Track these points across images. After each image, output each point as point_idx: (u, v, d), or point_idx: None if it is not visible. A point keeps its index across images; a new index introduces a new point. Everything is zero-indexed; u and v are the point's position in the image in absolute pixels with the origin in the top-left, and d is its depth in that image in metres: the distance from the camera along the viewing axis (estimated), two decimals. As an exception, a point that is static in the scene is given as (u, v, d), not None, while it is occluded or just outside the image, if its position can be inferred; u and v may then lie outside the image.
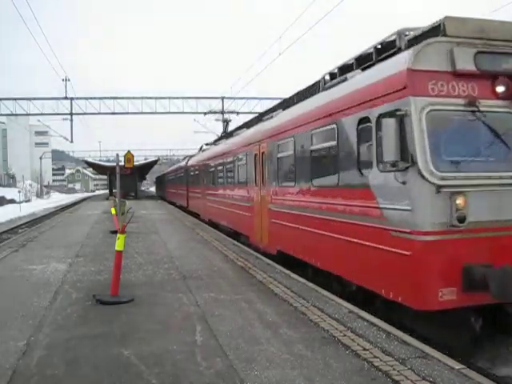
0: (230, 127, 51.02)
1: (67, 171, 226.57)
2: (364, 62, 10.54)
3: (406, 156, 7.65)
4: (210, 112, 53.28)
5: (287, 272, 12.70)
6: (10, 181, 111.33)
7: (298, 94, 15.81)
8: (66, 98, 52.13)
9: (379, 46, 10.09)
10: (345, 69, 11.39)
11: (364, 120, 9.09)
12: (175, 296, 10.23)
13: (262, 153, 16.15)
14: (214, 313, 8.90)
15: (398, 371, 6.09)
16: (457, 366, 6.28)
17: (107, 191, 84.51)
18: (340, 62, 11.81)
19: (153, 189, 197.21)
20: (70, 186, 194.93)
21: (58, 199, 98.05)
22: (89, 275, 12.51)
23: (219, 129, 55.37)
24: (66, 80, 51.26)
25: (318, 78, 13.35)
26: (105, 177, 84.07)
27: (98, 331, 7.95)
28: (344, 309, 9.05)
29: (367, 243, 9.00)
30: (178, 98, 55.84)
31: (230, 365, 6.40)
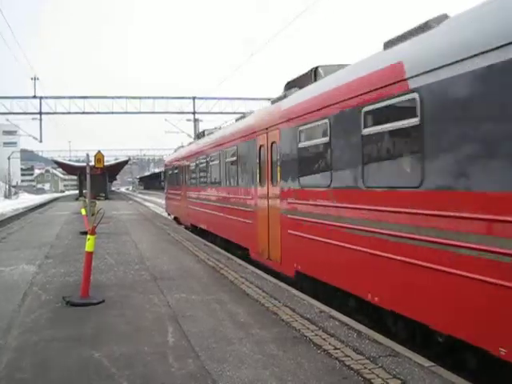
0: (201, 128, 50.88)
1: (36, 171, 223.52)
2: None
3: None
4: (183, 112, 53.25)
5: (259, 272, 12.75)
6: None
7: None
8: (34, 97, 51.41)
9: None
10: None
11: None
12: (146, 297, 10.17)
13: None
14: (185, 313, 8.87)
15: (370, 370, 6.13)
16: (427, 363, 6.36)
17: (77, 192, 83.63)
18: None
19: (124, 189, 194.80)
20: (39, 186, 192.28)
21: (26, 200, 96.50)
22: (58, 277, 12.36)
23: (190, 129, 55.26)
24: (34, 79, 50.61)
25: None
26: (75, 177, 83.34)
27: (68, 333, 7.86)
28: (315, 308, 9.10)
29: None
30: (148, 97, 55.55)
31: (202, 365, 6.38)
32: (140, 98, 55.34)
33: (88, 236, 10.18)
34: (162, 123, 61.11)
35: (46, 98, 52.75)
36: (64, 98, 53.59)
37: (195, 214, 23.96)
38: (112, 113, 54.91)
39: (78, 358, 6.74)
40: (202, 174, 22.71)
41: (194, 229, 24.37)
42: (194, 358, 6.66)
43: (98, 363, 6.55)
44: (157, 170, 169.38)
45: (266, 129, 13.11)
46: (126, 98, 54.81)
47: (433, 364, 6.36)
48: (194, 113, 55.87)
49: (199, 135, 27.07)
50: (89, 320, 8.58)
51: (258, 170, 13.82)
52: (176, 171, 30.74)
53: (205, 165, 21.59)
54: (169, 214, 35.18)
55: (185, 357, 6.72)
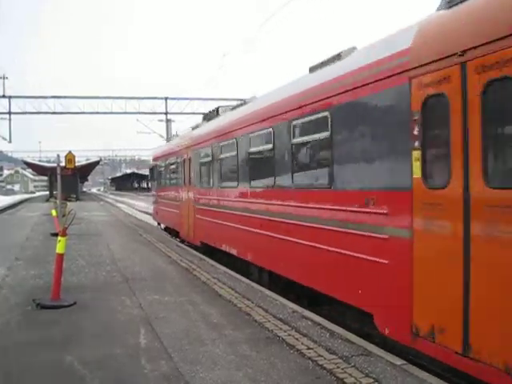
0: (174, 128, 50.21)
1: (5, 172, 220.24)
2: None
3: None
4: (155, 113, 52.97)
5: (231, 273, 12.74)
6: None
7: None
8: (3, 96, 50.57)
9: None
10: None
11: None
12: (118, 299, 10.09)
13: None
14: (158, 315, 8.82)
15: (342, 369, 6.18)
16: (398, 361, 6.44)
17: (48, 193, 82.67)
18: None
19: (95, 190, 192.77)
20: (9, 187, 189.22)
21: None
22: (29, 279, 12.18)
23: (162, 129, 55.07)
24: (3, 78, 49.84)
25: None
26: (45, 178, 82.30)
27: (39, 336, 7.75)
28: (288, 309, 9.12)
29: None
30: (120, 98, 55.05)
31: (175, 367, 6.35)
32: (112, 98, 54.84)
33: (59, 237, 10.07)
34: (134, 124, 60.64)
35: (16, 97, 51.91)
36: (34, 97, 52.82)
37: (214, 228, 15.72)
38: (83, 113, 54.26)
39: (49, 362, 6.65)
40: (230, 169, 14.44)
41: (206, 249, 16.83)
42: (167, 360, 6.62)
43: (70, 366, 6.47)
44: (128, 171, 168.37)
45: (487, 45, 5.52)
46: (98, 98, 54.28)
47: (404, 362, 6.44)
48: (166, 113, 55.61)
49: (209, 116, 18.66)
50: (60, 323, 8.48)
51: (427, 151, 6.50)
52: (173, 167, 22.45)
53: (235, 154, 13.59)
54: (158, 224, 27.57)
55: (158, 358, 6.68)
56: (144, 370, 6.28)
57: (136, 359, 6.68)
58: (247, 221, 12.56)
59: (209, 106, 52.58)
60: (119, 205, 62.84)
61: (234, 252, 13.70)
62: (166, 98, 55.55)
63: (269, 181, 11.28)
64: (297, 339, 7.38)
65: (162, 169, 25.64)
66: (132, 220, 32.01)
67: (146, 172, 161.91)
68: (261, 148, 11.94)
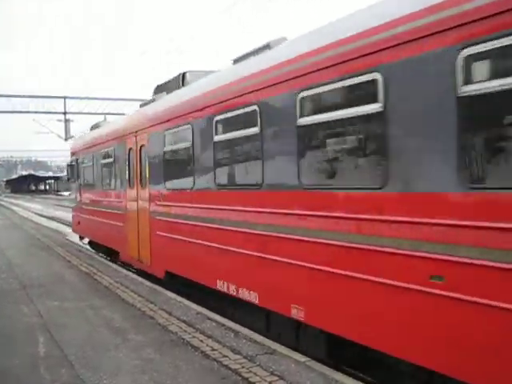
0: (73, 128, 48.71)
1: None
2: None
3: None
4: (53, 112, 51.29)
5: (134, 276, 12.58)
6: None
7: None
8: None
9: None
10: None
11: None
12: (15, 307, 9.71)
13: None
14: (57, 322, 8.56)
15: (247, 368, 6.24)
16: (302, 359, 6.59)
17: None
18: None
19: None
20: None
21: None
22: None
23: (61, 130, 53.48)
24: None
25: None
26: None
27: None
28: (192, 311, 9.11)
29: None
30: (15, 96, 52.67)
31: (77, 375, 6.18)
32: (7, 96, 52.39)
33: (-52, 244, 9.57)
34: (31, 123, 58.13)
35: None
36: None
37: (200, 255, 9.60)
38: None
39: None
40: (241, 160, 8.47)
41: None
42: (68, 368, 6.43)
43: (-38, 380, 6.17)
44: (25, 173, 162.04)
45: None
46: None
47: (308, 359, 6.59)
48: (64, 113, 53.87)
49: (166, 86, 12.85)
50: (-50, 334, 8.05)
51: None
52: (109, 161, 15.53)
53: (257, 131, 7.52)
54: (81, 238, 20.92)
55: (58, 367, 6.47)
56: (43, 380, 6.07)
57: (35, 369, 6.44)
58: (279, 246, 7.20)
59: (111, 106, 51.67)
60: (14, 208, 60.37)
61: (248, 297, 7.96)
62: (65, 98, 53.73)
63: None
64: (201, 341, 7.38)
65: (90, 164, 18.34)
66: (28, 223, 30.91)
67: (44, 174, 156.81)
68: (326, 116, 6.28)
